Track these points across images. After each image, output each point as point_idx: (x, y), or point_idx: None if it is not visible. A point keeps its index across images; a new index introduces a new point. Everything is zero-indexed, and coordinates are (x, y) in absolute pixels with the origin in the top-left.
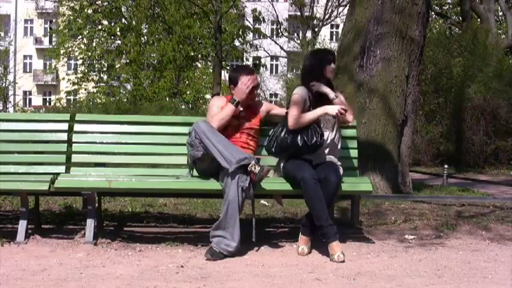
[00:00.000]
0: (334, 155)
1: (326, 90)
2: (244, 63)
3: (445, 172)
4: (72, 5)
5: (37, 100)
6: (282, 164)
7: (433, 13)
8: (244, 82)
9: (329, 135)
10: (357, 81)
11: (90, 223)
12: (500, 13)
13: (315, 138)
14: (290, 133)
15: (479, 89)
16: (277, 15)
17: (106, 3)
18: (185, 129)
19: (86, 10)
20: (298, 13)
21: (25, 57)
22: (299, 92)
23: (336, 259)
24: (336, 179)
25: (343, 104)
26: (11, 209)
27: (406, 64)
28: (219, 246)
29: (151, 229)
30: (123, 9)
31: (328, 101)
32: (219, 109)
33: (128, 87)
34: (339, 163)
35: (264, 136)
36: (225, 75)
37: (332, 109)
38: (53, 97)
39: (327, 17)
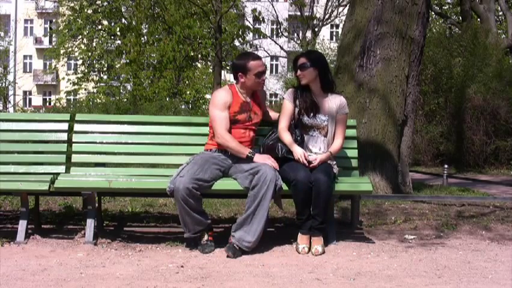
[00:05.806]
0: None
1: (295, 150)
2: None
3: (445, 172)
4: (72, 5)
5: (37, 100)
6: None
7: (433, 13)
8: (254, 68)
9: (317, 151)
10: (357, 81)
11: (90, 223)
12: (500, 13)
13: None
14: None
15: (479, 89)
16: (277, 15)
17: (106, 3)
18: (185, 129)
19: (86, 10)
20: (298, 13)
21: (25, 57)
22: (286, 97)
23: (300, 250)
24: (325, 179)
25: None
26: (11, 209)
27: (406, 64)
28: (241, 244)
29: (151, 229)
30: (123, 9)
31: (317, 109)
32: (226, 107)
33: (128, 87)
34: (334, 162)
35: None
36: (225, 75)
37: (295, 153)
38: (53, 97)
39: (327, 17)
